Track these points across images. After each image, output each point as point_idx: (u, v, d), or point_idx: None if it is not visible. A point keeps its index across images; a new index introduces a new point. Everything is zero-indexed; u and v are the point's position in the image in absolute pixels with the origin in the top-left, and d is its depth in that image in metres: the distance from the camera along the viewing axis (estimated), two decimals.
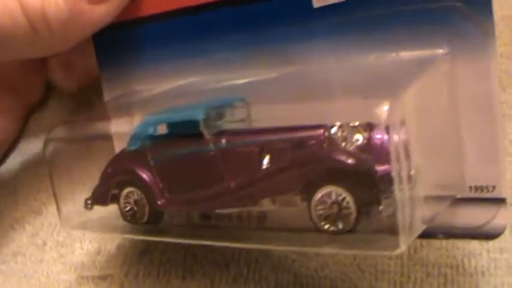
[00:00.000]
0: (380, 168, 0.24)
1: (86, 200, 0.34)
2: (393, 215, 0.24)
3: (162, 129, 0.31)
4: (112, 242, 0.40)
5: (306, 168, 0.26)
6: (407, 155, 0.24)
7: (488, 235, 0.29)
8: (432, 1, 0.28)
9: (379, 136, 0.25)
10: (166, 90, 0.35)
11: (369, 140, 0.26)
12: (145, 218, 0.32)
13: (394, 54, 0.29)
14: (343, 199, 0.25)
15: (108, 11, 0.34)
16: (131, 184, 0.32)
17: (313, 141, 0.27)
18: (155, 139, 0.32)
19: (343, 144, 0.26)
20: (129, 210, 0.33)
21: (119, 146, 0.34)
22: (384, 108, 0.24)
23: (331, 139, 0.26)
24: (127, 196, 0.32)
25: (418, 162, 0.26)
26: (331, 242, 0.26)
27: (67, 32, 0.34)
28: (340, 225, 0.26)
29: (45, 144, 0.35)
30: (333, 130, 0.26)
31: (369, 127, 0.26)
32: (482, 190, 0.28)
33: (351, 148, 0.26)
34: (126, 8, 0.35)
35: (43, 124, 0.46)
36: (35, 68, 0.45)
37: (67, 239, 0.41)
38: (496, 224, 0.28)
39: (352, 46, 0.30)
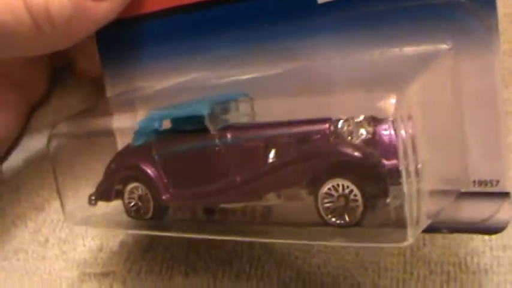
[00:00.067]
0: (388, 162, 0.24)
1: (90, 195, 0.34)
2: (400, 208, 0.24)
3: (167, 125, 0.31)
4: (114, 238, 0.40)
5: (312, 162, 0.26)
6: (414, 149, 0.24)
7: (491, 229, 0.29)
8: None
9: (385, 130, 0.25)
10: (168, 87, 0.35)
11: (374, 134, 0.26)
12: (150, 214, 0.32)
13: (398, 50, 0.29)
14: (351, 192, 0.25)
15: (112, 8, 0.34)
16: (135, 179, 0.32)
17: (319, 135, 0.27)
18: (160, 134, 0.32)
19: (349, 138, 0.26)
20: (134, 205, 0.32)
21: (121, 142, 0.34)
22: (391, 102, 0.24)
23: (337, 133, 0.26)
24: (131, 191, 0.32)
25: (424, 156, 0.26)
26: (338, 235, 0.26)
27: (70, 29, 0.34)
28: (347, 218, 0.26)
29: (49, 140, 0.34)
30: (339, 124, 0.26)
31: (375, 121, 0.26)
32: (486, 184, 0.29)
33: (357, 142, 0.26)
34: (128, 4, 0.35)
35: (46, 120, 0.46)
36: (39, 63, 0.45)
37: (69, 236, 0.41)
38: (500, 218, 0.29)
39: (356, 42, 0.30)
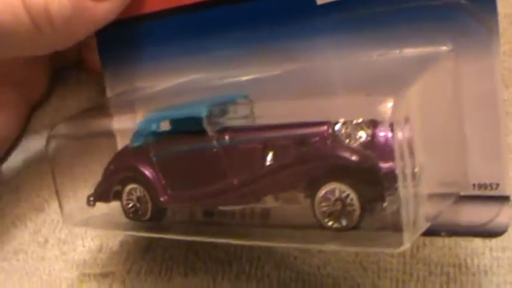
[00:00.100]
0: (384, 165, 0.24)
1: (89, 196, 0.34)
2: (397, 212, 0.24)
3: (165, 126, 0.31)
4: (114, 239, 0.40)
5: (309, 165, 0.26)
6: (412, 152, 0.24)
7: (491, 233, 0.29)
8: None
9: (383, 133, 0.25)
10: (168, 87, 0.35)
11: (372, 137, 0.26)
12: (148, 215, 0.32)
13: (397, 52, 0.29)
14: (347, 196, 0.25)
15: (111, 8, 0.34)
16: (134, 181, 0.32)
17: (317, 138, 0.27)
18: (158, 136, 0.31)
19: (347, 141, 0.26)
20: (132, 207, 0.32)
21: (121, 143, 0.34)
22: (388, 105, 0.24)
23: (334, 136, 0.26)
24: (129, 193, 0.32)
25: (422, 159, 0.26)
26: (335, 239, 0.26)
27: (70, 29, 0.34)
28: (344, 222, 0.26)
29: (48, 141, 0.34)
30: (337, 127, 0.26)
31: (373, 124, 0.26)
32: (485, 188, 0.28)
33: (355, 145, 0.26)
34: (129, 5, 0.35)
35: (46, 121, 0.46)
36: (39, 63, 0.45)
37: (69, 237, 0.41)
38: (500, 222, 0.28)
39: (355, 43, 0.30)
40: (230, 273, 0.37)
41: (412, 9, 0.29)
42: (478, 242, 0.34)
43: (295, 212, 0.28)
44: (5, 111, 0.43)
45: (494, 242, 0.34)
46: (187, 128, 0.30)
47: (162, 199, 0.31)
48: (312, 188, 0.26)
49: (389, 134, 0.25)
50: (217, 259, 0.38)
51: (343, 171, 0.26)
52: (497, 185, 0.28)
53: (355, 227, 0.26)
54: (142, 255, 0.39)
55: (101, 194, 0.34)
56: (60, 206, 0.35)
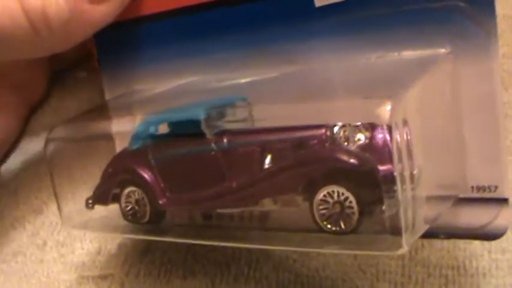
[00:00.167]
0: (382, 168, 0.24)
1: (87, 199, 0.34)
2: (396, 215, 0.24)
3: (164, 129, 0.31)
4: (112, 241, 0.40)
5: (307, 168, 0.26)
6: (410, 155, 0.24)
7: (490, 235, 0.29)
8: (435, 0, 0.28)
9: (381, 136, 0.25)
10: (167, 90, 0.35)
11: (371, 140, 0.26)
12: (147, 218, 0.32)
13: (396, 54, 0.29)
14: (346, 199, 0.25)
15: (109, 11, 0.34)
16: (132, 183, 0.32)
17: (315, 141, 0.27)
18: (156, 138, 0.31)
19: (345, 144, 0.26)
20: (130, 209, 0.32)
21: (120, 145, 0.34)
22: (387, 108, 0.24)
23: (333, 139, 0.26)
24: (128, 195, 0.32)
25: (420, 162, 0.26)
26: (333, 242, 0.26)
27: (68, 32, 0.34)
28: (343, 225, 0.26)
29: (46, 144, 0.34)
30: (335, 130, 0.26)
31: (371, 127, 0.26)
32: (484, 190, 0.28)
33: (353, 148, 0.26)
34: (127, 7, 0.35)
35: (45, 123, 0.46)
36: (38, 65, 0.45)
37: (67, 239, 0.41)
38: (498, 224, 0.28)
39: (354, 46, 0.30)
40: (229, 276, 0.37)
41: (411, 12, 0.29)
42: (476, 244, 0.34)
43: (293, 214, 0.28)
44: (5, 114, 0.43)
45: (493, 244, 0.34)
46: (186, 130, 0.30)
47: (160, 202, 0.31)
48: (310, 190, 0.26)
49: (388, 137, 0.25)
50: (215, 262, 0.38)
51: (341, 174, 0.26)
52: (496, 187, 0.28)
53: (353, 230, 0.26)
54: (140, 257, 0.39)
55: (100, 197, 0.34)
56: (59, 208, 0.35)
